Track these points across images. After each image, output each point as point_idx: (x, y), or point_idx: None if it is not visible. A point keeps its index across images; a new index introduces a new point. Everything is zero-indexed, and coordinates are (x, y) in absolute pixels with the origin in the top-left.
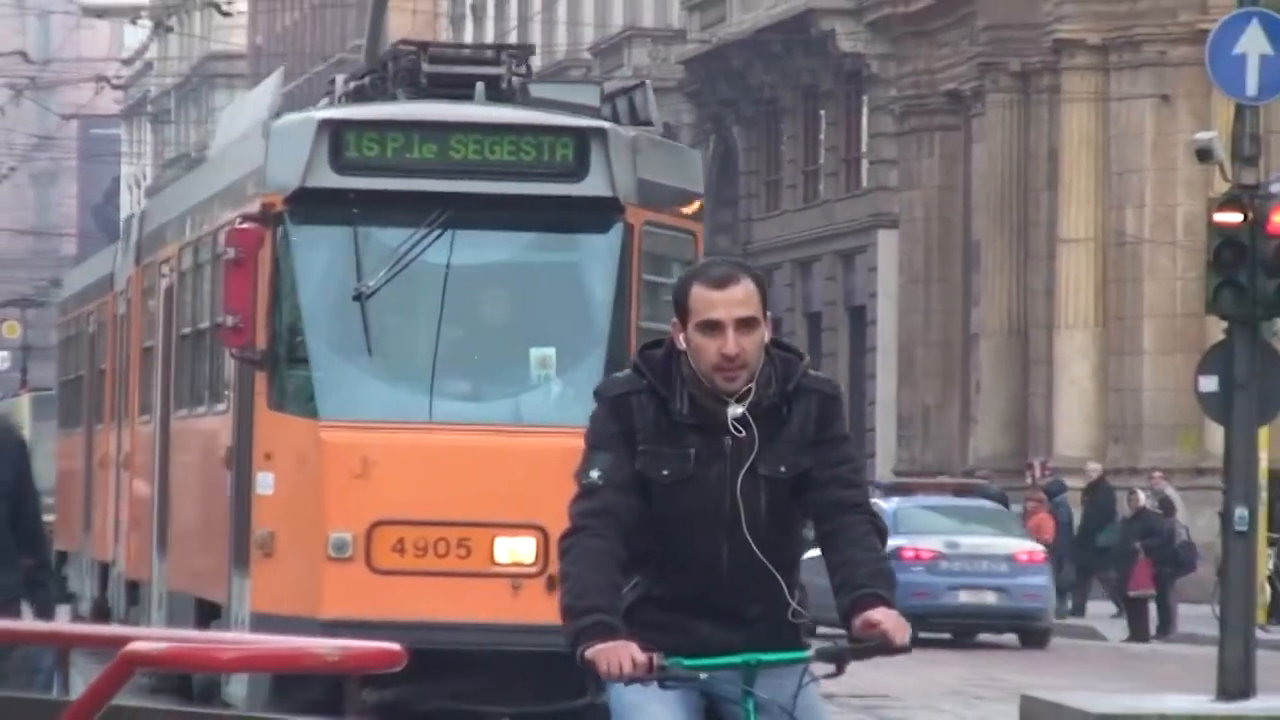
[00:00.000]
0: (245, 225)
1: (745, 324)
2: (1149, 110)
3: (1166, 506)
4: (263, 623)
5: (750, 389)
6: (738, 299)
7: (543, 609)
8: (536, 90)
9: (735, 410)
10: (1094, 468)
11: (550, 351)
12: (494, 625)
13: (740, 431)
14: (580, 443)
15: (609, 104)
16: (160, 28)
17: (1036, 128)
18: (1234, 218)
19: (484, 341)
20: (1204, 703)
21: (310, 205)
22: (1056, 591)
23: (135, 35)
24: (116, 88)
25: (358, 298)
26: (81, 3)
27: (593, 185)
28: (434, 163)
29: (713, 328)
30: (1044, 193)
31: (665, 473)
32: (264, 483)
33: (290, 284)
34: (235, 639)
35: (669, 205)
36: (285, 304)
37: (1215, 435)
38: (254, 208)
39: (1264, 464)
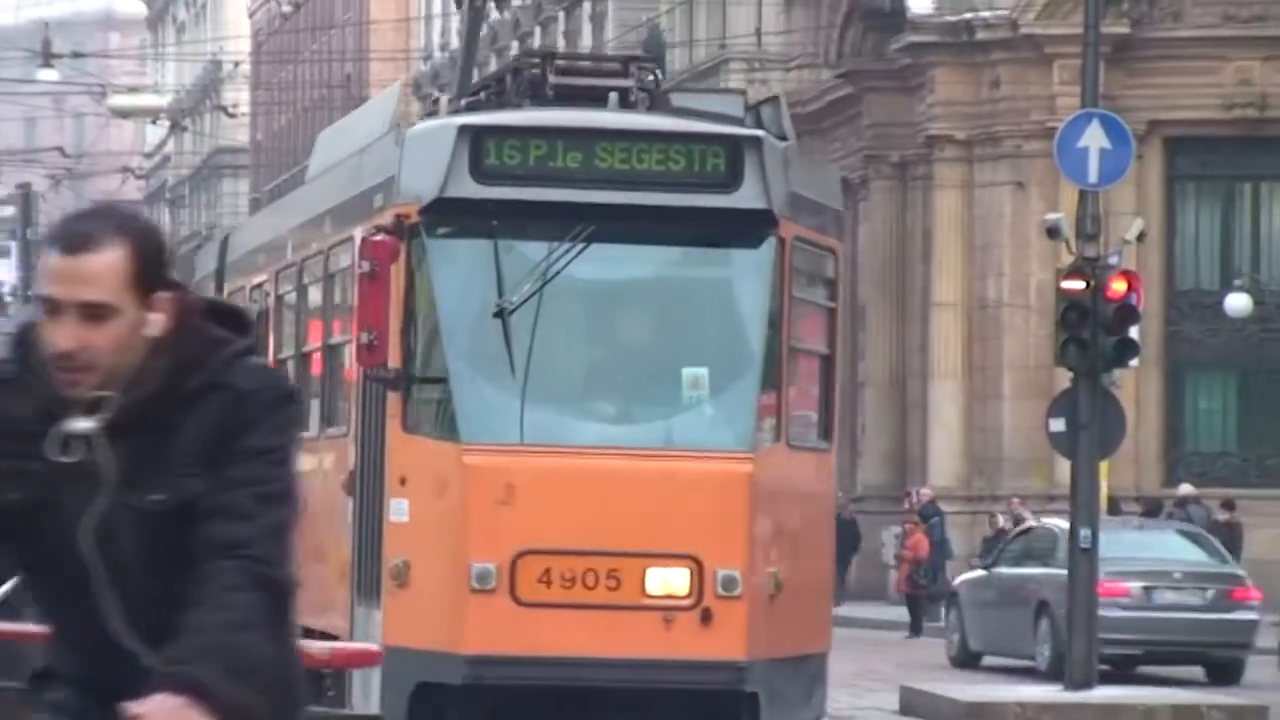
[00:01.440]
0: (380, 237)
1: (94, 312)
2: (1007, 195)
3: None
4: (397, 657)
5: (106, 397)
6: (86, 274)
7: (696, 644)
8: (678, 99)
9: (72, 424)
10: (925, 493)
11: (703, 372)
12: (645, 661)
13: (72, 453)
14: (735, 468)
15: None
16: (176, 126)
17: (913, 210)
18: (1078, 285)
19: (632, 361)
20: (1054, 692)
21: (448, 216)
22: (929, 599)
23: (155, 133)
24: (139, 177)
25: (499, 314)
26: (110, 105)
27: (746, 197)
28: (579, 172)
29: (51, 309)
30: (919, 264)
31: (13, 496)
32: (398, 509)
33: (427, 300)
34: None
35: (815, 221)
36: (422, 321)
37: (1063, 468)
38: (386, 219)
39: (1104, 491)
